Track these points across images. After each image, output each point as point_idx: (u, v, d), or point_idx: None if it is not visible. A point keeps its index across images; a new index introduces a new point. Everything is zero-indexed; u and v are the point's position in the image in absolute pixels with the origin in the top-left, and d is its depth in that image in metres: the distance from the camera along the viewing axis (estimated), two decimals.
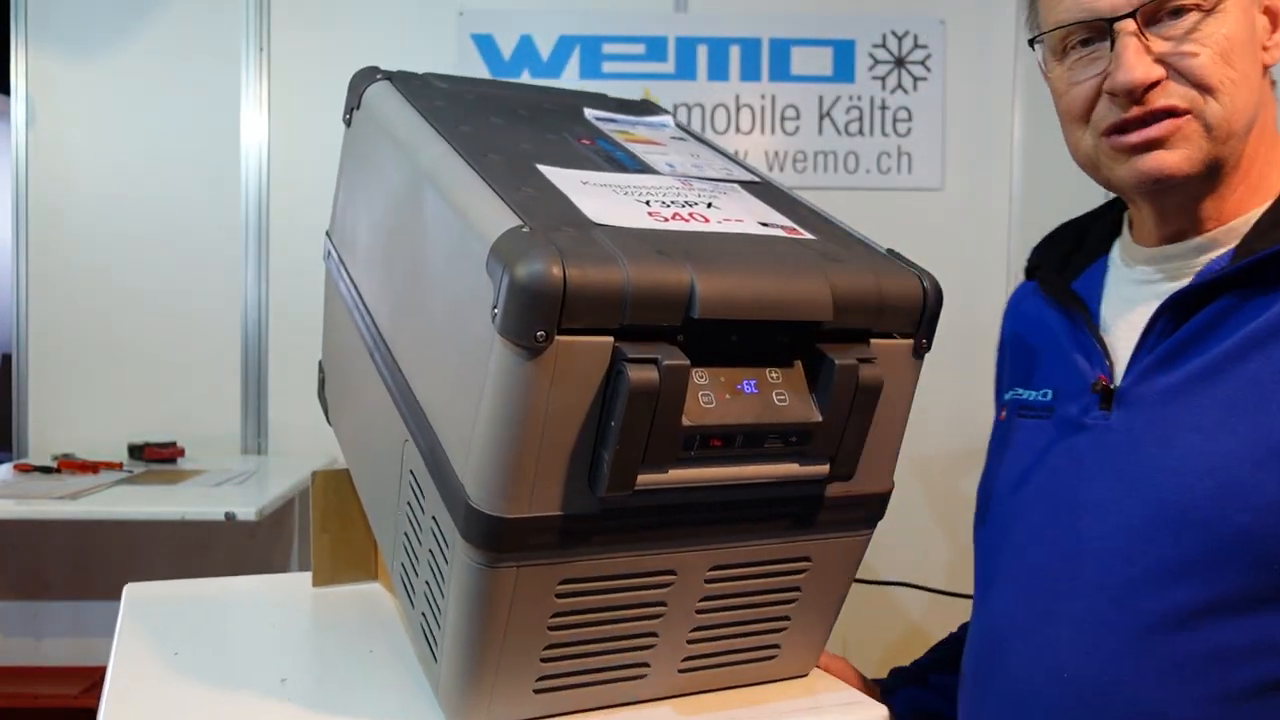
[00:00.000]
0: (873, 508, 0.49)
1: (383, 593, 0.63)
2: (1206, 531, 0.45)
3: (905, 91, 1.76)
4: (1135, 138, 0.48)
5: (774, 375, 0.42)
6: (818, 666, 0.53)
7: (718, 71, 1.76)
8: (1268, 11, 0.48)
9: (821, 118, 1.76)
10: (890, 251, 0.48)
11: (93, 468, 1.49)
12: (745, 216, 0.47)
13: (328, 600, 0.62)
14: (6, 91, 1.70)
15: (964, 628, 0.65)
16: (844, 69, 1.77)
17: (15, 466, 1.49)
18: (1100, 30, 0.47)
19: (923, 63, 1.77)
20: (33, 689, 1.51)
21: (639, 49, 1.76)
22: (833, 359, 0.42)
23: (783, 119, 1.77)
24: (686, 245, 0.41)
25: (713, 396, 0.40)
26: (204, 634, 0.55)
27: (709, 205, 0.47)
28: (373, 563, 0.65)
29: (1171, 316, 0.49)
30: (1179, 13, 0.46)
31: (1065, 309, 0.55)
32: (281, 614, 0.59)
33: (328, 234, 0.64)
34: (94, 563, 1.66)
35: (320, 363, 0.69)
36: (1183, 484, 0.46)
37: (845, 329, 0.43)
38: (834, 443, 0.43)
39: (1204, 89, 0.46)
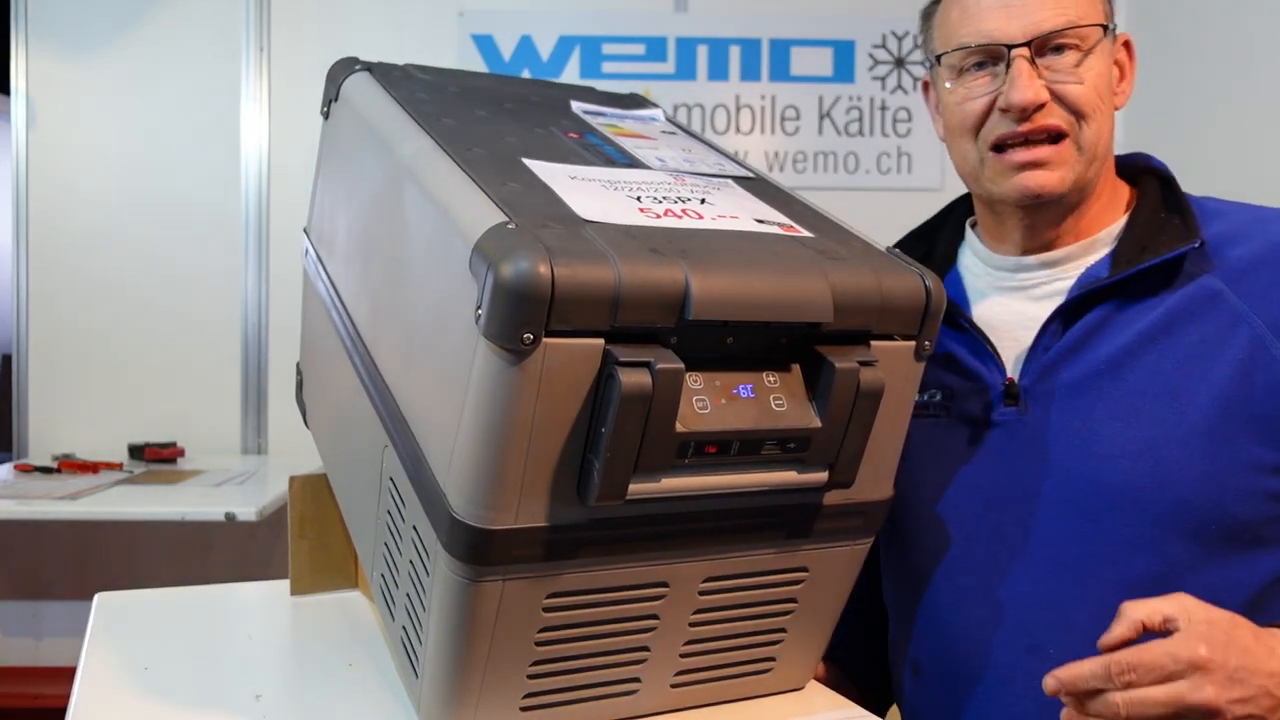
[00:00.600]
0: (872, 516, 0.48)
1: (363, 602, 0.62)
2: (1150, 507, 0.50)
3: (905, 91, 1.75)
4: (1021, 156, 0.55)
5: (771, 379, 0.41)
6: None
7: (718, 72, 1.75)
8: (1118, 64, 0.58)
9: (821, 118, 1.75)
10: (890, 250, 0.46)
11: (93, 468, 1.48)
12: (740, 213, 0.45)
13: (306, 610, 0.60)
14: (6, 91, 1.70)
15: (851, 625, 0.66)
16: (844, 69, 1.75)
17: (15, 466, 1.49)
18: (996, 55, 0.55)
19: (923, 63, 1.76)
20: (33, 689, 1.51)
21: (639, 49, 1.74)
22: (832, 362, 0.40)
23: (783, 119, 1.75)
24: (680, 243, 0.40)
25: (708, 401, 0.39)
26: (176, 647, 0.53)
27: (702, 201, 0.46)
28: (353, 570, 0.64)
29: (1062, 321, 0.55)
30: (1061, 49, 0.54)
31: None
32: (258, 625, 0.58)
33: (306, 231, 0.63)
34: (94, 563, 1.65)
35: (299, 365, 0.68)
36: (1119, 467, 0.51)
37: (845, 330, 0.41)
38: (833, 449, 0.42)
39: (1080, 115, 0.54)
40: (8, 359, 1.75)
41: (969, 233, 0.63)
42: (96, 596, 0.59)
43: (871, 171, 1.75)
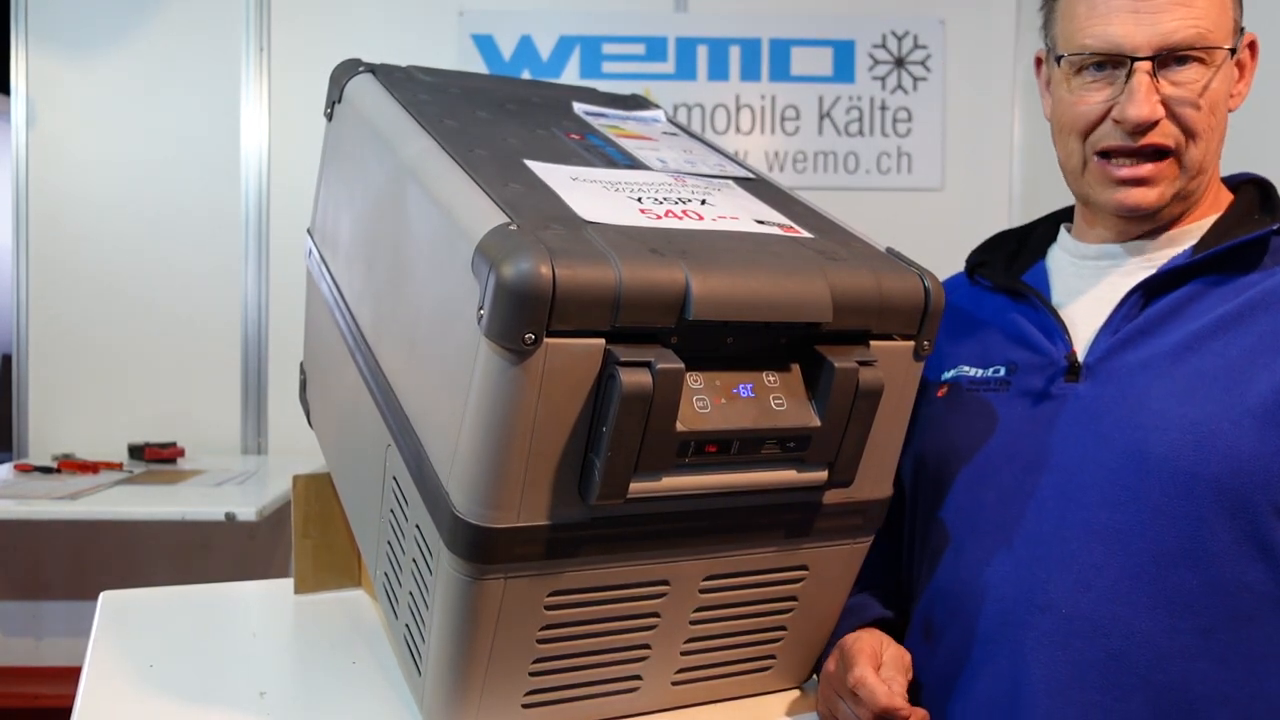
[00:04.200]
0: (871, 514, 0.48)
1: (367, 600, 0.62)
2: (1189, 480, 0.50)
3: (905, 91, 1.75)
4: (1125, 172, 0.55)
5: (771, 379, 0.41)
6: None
7: (718, 71, 1.75)
8: (1239, 64, 0.57)
9: (821, 118, 1.75)
10: (889, 250, 0.46)
11: (93, 468, 1.48)
12: (740, 214, 0.46)
13: (310, 608, 0.61)
14: (6, 91, 1.70)
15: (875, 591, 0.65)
16: (844, 69, 1.76)
17: (15, 466, 1.48)
18: (1118, 63, 0.55)
19: (923, 63, 1.76)
20: (33, 689, 1.51)
21: (639, 49, 1.75)
22: (832, 362, 0.40)
23: (783, 119, 1.75)
24: (680, 243, 0.40)
25: (708, 401, 0.39)
26: (181, 645, 0.53)
27: (703, 202, 0.46)
28: (356, 569, 0.64)
29: (1137, 301, 0.55)
30: (1185, 61, 0.53)
31: (1017, 295, 0.61)
32: (262, 623, 0.58)
33: (309, 231, 0.63)
34: (94, 563, 1.65)
35: (302, 364, 0.68)
36: (1164, 438, 0.51)
37: (845, 330, 0.42)
38: (833, 448, 0.42)
39: (1190, 134, 0.54)
40: (8, 359, 1.75)
41: (1062, 233, 0.64)
42: (101, 595, 0.60)
43: (871, 171, 1.76)
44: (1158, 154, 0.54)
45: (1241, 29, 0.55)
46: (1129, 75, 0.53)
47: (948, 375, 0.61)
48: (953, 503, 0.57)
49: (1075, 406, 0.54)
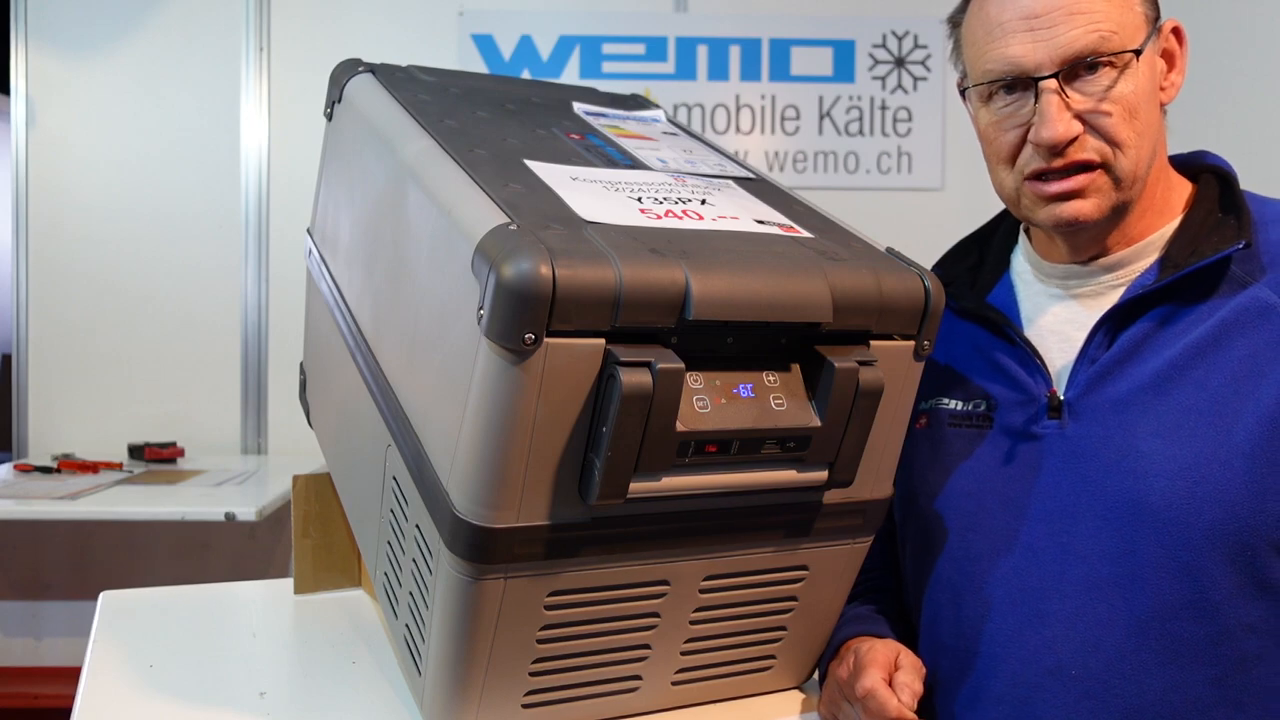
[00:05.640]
0: (871, 514, 0.48)
1: (366, 600, 0.62)
2: (1185, 529, 0.49)
3: (905, 91, 1.75)
4: (1055, 188, 0.53)
5: (771, 379, 0.41)
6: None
7: (718, 71, 1.75)
8: (1165, 55, 0.54)
9: (821, 118, 1.75)
10: (890, 250, 0.46)
11: (93, 468, 1.48)
12: (740, 214, 0.46)
13: (310, 608, 0.61)
14: (6, 91, 1.70)
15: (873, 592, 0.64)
16: (844, 69, 1.76)
17: (15, 466, 1.48)
18: (1024, 82, 0.52)
19: (923, 63, 1.76)
20: (33, 689, 1.51)
21: (639, 49, 1.75)
22: (832, 362, 0.40)
23: (783, 119, 1.75)
24: (680, 243, 0.40)
25: (708, 401, 0.39)
26: (181, 645, 0.54)
27: (703, 202, 0.46)
28: (356, 569, 0.64)
29: (1108, 330, 0.54)
30: (1095, 67, 0.51)
31: (987, 322, 0.59)
32: (262, 623, 0.58)
33: (309, 231, 0.63)
34: (94, 563, 1.65)
35: (302, 364, 0.68)
36: (1155, 486, 0.50)
37: (845, 330, 0.42)
38: (833, 448, 0.42)
39: (1114, 144, 0.51)
40: (8, 359, 1.75)
41: (1022, 237, 0.61)
42: (101, 595, 0.60)
43: (871, 171, 1.76)
44: (1086, 166, 0.51)
45: (1158, 19, 0.52)
46: (1037, 96, 0.50)
47: (925, 405, 0.59)
48: (944, 547, 0.56)
49: (1062, 448, 0.52)
